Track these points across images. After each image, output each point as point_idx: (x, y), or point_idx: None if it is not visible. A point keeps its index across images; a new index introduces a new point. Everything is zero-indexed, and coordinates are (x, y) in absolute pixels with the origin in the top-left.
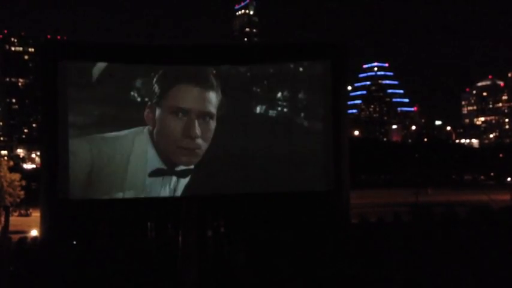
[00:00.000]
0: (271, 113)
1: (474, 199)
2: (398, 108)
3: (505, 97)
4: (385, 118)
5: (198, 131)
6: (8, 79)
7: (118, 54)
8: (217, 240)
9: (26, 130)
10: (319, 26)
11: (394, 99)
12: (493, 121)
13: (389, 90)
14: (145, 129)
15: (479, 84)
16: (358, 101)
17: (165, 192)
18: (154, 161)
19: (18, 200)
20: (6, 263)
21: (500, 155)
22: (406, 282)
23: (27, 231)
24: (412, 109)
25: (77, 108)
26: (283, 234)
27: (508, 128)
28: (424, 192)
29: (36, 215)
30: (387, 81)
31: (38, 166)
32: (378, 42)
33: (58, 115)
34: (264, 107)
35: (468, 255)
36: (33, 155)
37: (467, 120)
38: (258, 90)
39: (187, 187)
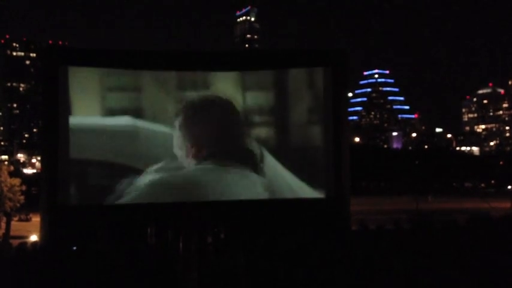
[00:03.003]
0: (273, 120)
1: (474, 207)
2: (399, 115)
3: (505, 105)
4: (386, 125)
5: None
6: (9, 84)
7: (120, 61)
8: (218, 246)
9: (26, 135)
10: (320, 33)
11: (394, 106)
12: (494, 129)
13: (390, 97)
14: None
15: (480, 91)
16: (359, 108)
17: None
18: None
19: (18, 205)
20: (7, 268)
21: (501, 163)
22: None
23: (27, 236)
24: (413, 116)
25: (78, 114)
26: (284, 241)
27: (508, 136)
28: (425, 200)
29: (36, 220)
30: (388, 88)
31: (39, 171)
32: (379, 49)
33: (59, 120)
34: (266, 114)
35: (468, 263)
36: (34, 160)
37: (467, 128)
38: (262, 98)
39: (189, 193)
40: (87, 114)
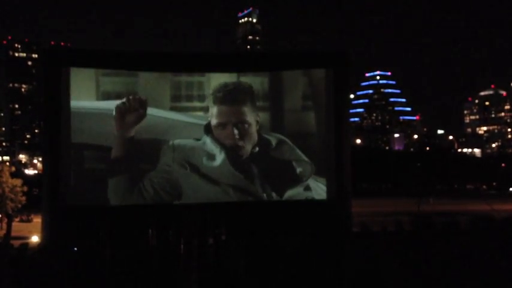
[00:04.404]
0: (273, 121)
1: (476, 209)
2: (401, 117)
3: (507, 107)
4: (387, 127)
5: None
6: (11, 85)
7: (122, 62)
8: (218, 248)
9: (28, 136)
10: (322, 34)
11: (396, 108)
12: (496, 130)
13: (392, 99)
14: None
15: (482, 93)
16: (361, 110)
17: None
18: None
19: (19, 205)
20: (8, 268)
21: (503, 165)
22: None
23: (28, 237)
24: (415, 118)
25: (80, 115)
26: (285, 242)
27: (510, 138)
28: (426, 202)
29: (37, 220)
30: (389, 90)
31: (40, 172)
32: (381, 51)
33: (60, 121)
34: (266, 116)
35: (469, 264)
36: (35, 161)
37: (469, 130)
38: (262, 99)
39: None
40: (84, 99)
